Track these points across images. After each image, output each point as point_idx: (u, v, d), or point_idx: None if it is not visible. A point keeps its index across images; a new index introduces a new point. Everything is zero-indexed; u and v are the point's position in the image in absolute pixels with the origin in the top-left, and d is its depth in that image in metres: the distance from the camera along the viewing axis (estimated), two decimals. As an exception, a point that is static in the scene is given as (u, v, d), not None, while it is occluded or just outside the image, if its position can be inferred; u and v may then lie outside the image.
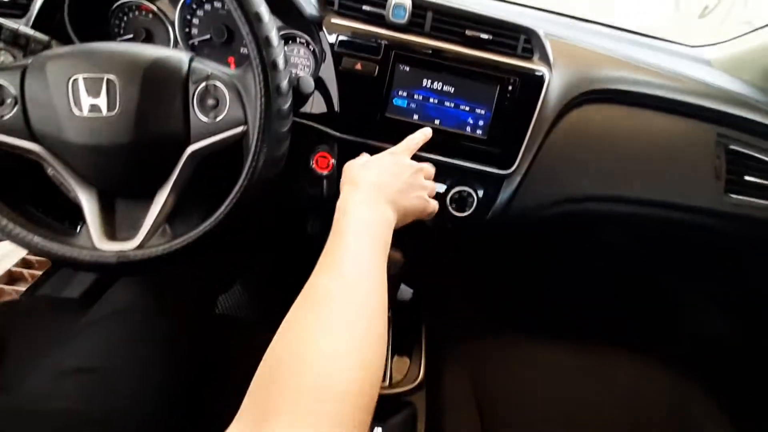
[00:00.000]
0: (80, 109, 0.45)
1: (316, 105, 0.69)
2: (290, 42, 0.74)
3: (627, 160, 0.75)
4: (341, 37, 0.66)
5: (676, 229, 0.83)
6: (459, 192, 0.71)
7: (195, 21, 0.73)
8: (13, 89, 0.44)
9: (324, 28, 0.66)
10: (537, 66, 0.68)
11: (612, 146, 0.74)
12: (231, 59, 0.76)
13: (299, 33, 0.72)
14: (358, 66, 0.66)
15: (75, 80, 0.44)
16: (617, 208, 0.77)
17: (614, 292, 1.15)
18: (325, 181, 0.73)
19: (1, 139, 0.45)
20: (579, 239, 0.98)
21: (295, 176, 0.73)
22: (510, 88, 0.67)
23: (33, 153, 0.46)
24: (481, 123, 0.68)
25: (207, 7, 0.73)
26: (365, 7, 0.66)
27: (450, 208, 0.72)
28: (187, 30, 0.73)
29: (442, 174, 0.71)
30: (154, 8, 0.71)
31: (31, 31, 0.52)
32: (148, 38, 0.73)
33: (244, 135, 0.48)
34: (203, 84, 0.47)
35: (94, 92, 0.44)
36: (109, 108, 0.45)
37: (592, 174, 0.74)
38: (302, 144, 0.71)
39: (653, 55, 0.85)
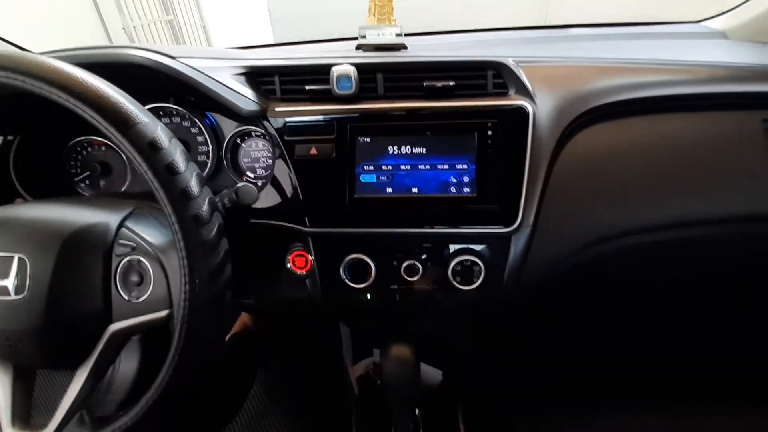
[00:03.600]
0: None
1: (278, 202, 0.62)
2: (246, 138, 0.69)
3: (655, 177, 0.62)
4: (288, 124, 0.60)
5: (735, 248, 0.66)
6: (461, 263, 0.60)
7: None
8: None
9: (269, 118, 0.60)
10: (515, 101, 0.58)
11: (634, 165, 0.61)
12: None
13: (252, 128, 0.67)
14: (313, 150, 0.59)
15: None
16: (660, 237, 0.63)
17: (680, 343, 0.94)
18: (307, 281, 0.64)
19: None
20: (619, 287, 0.81)
21: (274, 281, 0.64)
22: (490, 132, 0.57)
23: None
24: (466, 179, 0.58)
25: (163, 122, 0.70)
26: (308, 87, 0.60)
27: (455, 282, 0.60)
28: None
29: (435, 246, 0.60)
30: (105, 140, 0.69)
31: None
32: (106, 171, 0.70)
33: (168, 320, 0.41)
34: (127, 259, 0.41)
35: (3, 274, 0.39)
36: (17, 291, 0.39)
37: (619, 202, 0.61)
38: (274, 246, 0.63)
39: (657, 45, 0.73)
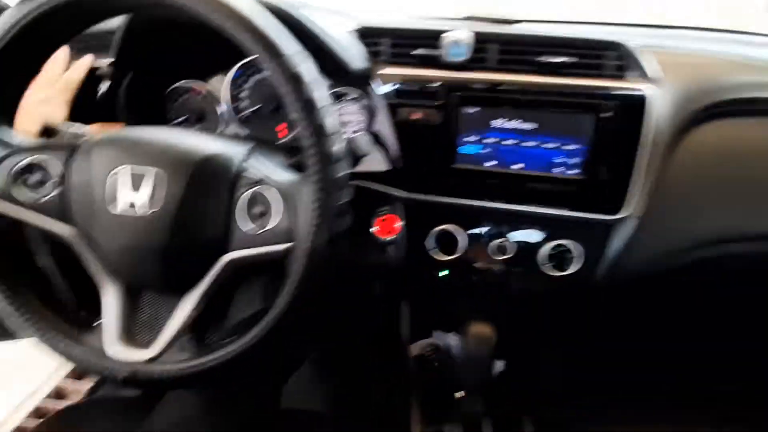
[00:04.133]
0: (118, 204, 0.40)
1: (373, 163, 0.61)
2: (341, 99, 0.69)
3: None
4: (394, 87, 0.59)
5: None
6: (556, 247, 0.58)
7: (243, 94, 0.71)
8: (57, 170, 0.41)
9: (375, 80, 0.60)
10: (634, 84, 0.55)
11: (756, 169, 0.57)
12: (281, 126, 0.72)
13: (347, 89, 0.67)
14: (417, 115, 0.58)
15: (116, 173, 0.40)
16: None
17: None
18: (389, 248, 0.63)
19: (37, 222, 0.42)
20: (720, 292, 0.76)
21: (354, 244, 0.64)
22: (606, 115, 0.55)
23: (64, 237, 0.43)
24: (574, 161, 0.56)
25: (256, 76, 0.71)
26: (417, 51, 0.59)
27: (546, 267, 0.58)
28: (236, 104, 0.71)
29: (530, 226, 0.58)
30: (205, 88, 0.70)
31: (83, 127, 0.51)
32: (200, 118, 0.71)
33: (288, 253, 0.40)
34: (252, 190, 0.41)
35: (135, 188, 0.40)
36: (148, 207, 0.39)
37: (737, 205, 0.57)
38: (362, 208, 0.63)
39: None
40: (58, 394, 1.29)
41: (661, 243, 0.58)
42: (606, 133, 0.55)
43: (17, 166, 0.41)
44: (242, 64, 0.69)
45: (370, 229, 0.62)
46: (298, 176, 0.42)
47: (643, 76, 0.56)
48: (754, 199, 0.56)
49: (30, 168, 0.42)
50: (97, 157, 0.41)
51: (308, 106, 0.38)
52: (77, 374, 1.34)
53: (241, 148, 0.44)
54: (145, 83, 0.66)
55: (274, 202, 0.41)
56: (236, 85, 0.70)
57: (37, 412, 1.23)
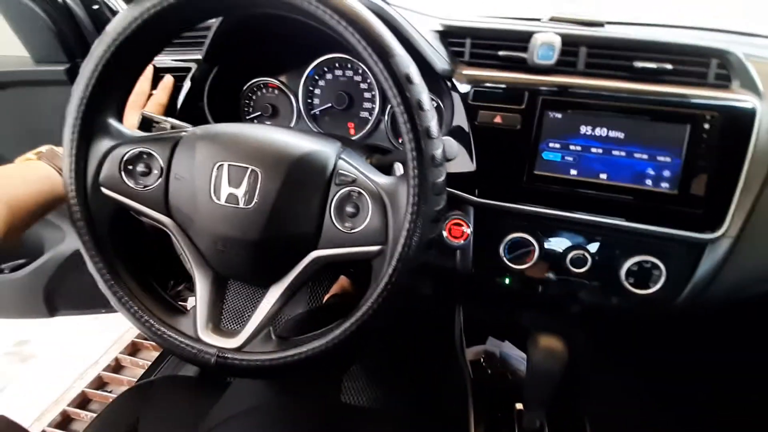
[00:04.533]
0: (218, 197, 0.42)
1: (449, 165, 0.60)
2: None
3: None
4: (476, 88, 0.58)
5: None
6: (639, 263, 0.55)
7: (317, 91, 0.72)
8: (161, 161, 0.44)
9: (455, 81, 0.59)
10: (740, 95, 0.51)
11: None
12: (351, 124, 0.73)
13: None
14: (498, 119, 0.57)
15: (220, 166, 0.42)
16: None
17: None
18: (458, 253, 0.62)
19: (141, 209, 0.45)
20: None
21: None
22: (706, 126, 0.51)
23: (165, 225, 0.45)
24: (667, 174, 0.53)
25: (328, 76, 0.72)
26: (502, 53, 0.57)
27: (627, 283, 0.56)
28: (309, 101, 0.72)
29: (612, 240, 0.56)
30: (280, 84, 0.72)
31: (175, 121, 0.53)
32: (274, 113, 0.73)
33: (378, 255, 0.40)
34: (346, 189, 0.42)
35: (235, 182, 0.41)
36: (247, 201, 0.41)
37: None
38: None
39: None
40: (115, 366, 1.37)
41: (756, 266, 0.54)
42: (706, 146, 0.51)
43: (126, 156, 0.44)
44: (316, 64, 0.70)
45: (441, 232, 0.62)
46: (395, 178, 0.42)
47: (752, 87, 0.52)
48: None
49: (137, 158, 0.44)
50: (200, 152, 0.43)
51: (415, 108, 0.37)
52: (131, 350, 1.43)
53: (334, 147, 0.45)
54: (226, 79, 0.69)
55: (367, 202, 0.41)
56: (309, 83, 0.71)
57: (98, 381, 1.32)
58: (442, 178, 0.39)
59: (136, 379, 1.29)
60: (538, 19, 0.65)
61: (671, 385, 0.82)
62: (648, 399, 0.77)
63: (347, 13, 0.37)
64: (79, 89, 0.42)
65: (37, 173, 0.50)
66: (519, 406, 0.66)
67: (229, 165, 0.41)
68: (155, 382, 0.66)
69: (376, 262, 0.41)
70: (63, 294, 0.98)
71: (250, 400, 0.56)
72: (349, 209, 0.42)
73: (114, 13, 0.77)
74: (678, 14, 0.77)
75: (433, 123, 0.38)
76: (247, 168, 0.41)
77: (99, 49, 0.41)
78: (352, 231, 0.41)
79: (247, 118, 0.74)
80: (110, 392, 1.29)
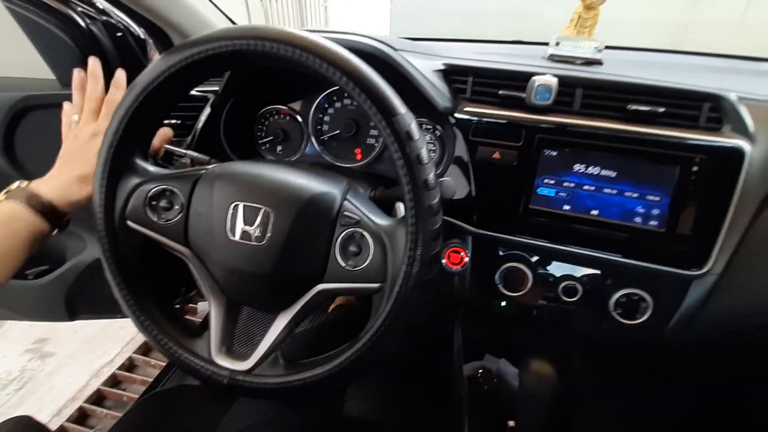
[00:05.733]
0: (233, 234, 0.45)
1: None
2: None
3: None
4: (475, 125, 0.61)
5: None
6: (627, 295, 0.58)
7: (326, 118, 0.76)
8: (182, 197, 0.48)
9: (457, 115, 0.62)
10: (730, 139, 0.53)
11: None
12: (358, 150, 0.76)
13: (424, 120, 0.70)
14: (496, 155, 0.60)
15: (236, 206, 0.45)
16: None
17: None
18: (456, 278, 0.66)
19: (163, 240, 0.49)
20: None
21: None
22: (695, 168, 0.54)
23: (184, 255, 0.49)
24: (656, 212, 0.55)
25: (337, 104, 0.75)
26: (502, 92, 0.60)
27: (615, 313, 0.58)
28: (319, 127, 0.76)
29: (602, 272, 0.59)
30: (291, 111, 0.76)
31: (195, 154, 0.57)
32: (285, 138, 0.77)
33: (377, 291, 0.44)
34: (350, 230, 0.45)
35: (249, 221, 0.45)
36: (259, 238, 0.44)
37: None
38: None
39: None
40: (129, 365, 1.43)
41: (739, 302, 0.56)
42: (694, 188, 0.54)
43: (151, 192, 0.48)
44: (326, 93, 0.74)
45: (441, 259, 0.65)
46: (394, 221, 0.45)
47: (741, 130, 0.54)
48: None
49: (161, 194, 0.48)
50: (218, 191, 0.47)
51: (415, 162, 0.41)
52: (144, 350, 1.48)
53: (341, 187, 0.48)
54: (242, 106, 0.73)
55: (369, 243, 0.45)
56: (319, 111, 0.75)
57: (113, 379, 1.38)
58: (437, 225, 0.43)
59: (148, 379, 1.35)
60: (539, 58, 0.67)
61: (666, 408, 0.84)
62: (643, 421, 0.80)
63: (354, 74, 0.40)
64: (109, 134, 0.46)
65: (11, 214, 0.50)
66: (512, 423, 0.69)
67: (244, 205, 0.45)
68: (167, 393, 0.71)
69: (376, 298, 0.45)
70: (82, 299, 1.04)
71: (257, 414, 0.61)
72: (353, 248, 0.45)
73: (136, 39, 0.81)
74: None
75: (431, 175, 0.42)
76: (261, 208, 0.45)
77: (128, 99, 0.45)
78: (355, 269, 0.45)
79: (260, 142, 0.78)
80: (124, 390, 1.35)
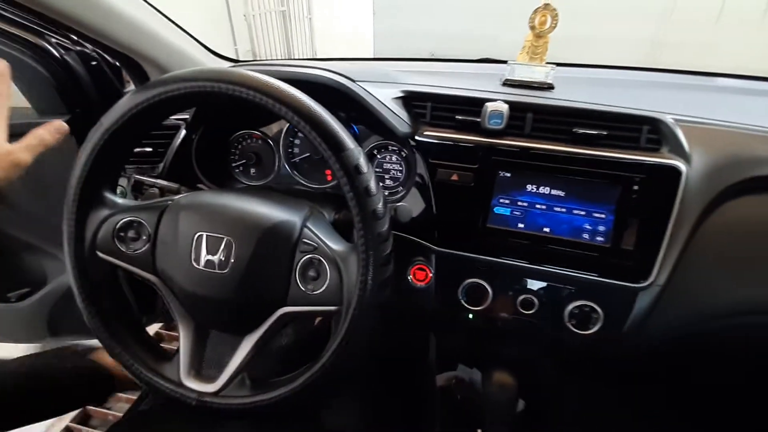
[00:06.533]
0: (198, 263, 0.48)
1: (411, 217, 0.67)
2: (382, 150, 0.75)
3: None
4: (435, 148, 0.64)
5: None
6: (579, 307, 0.61)
7: (297, 141, 0.79)
8: (149, 228, 0.50)
9: (417, 139, 0.65)
10: (668, 159, 0.57)
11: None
12: (328, 172, 0.79)
13: (389, 142, 0.73)
14: (455, 177, 0.63)
15: (199, 236, 0.48)
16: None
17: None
18: (421, 294, 0.68)
19: (131, 269, 0.51)
20: (740, 363, 0.76)
21: (393, 289, 0.70)
22: (636, 187, 0.57)
23: (152, 283, 0.52)
24: (601, 228, 0.59)
25: None
26: (459, 117, 0.64)
27: (569, 324, 0.62)
28: (289, 150, 0.79)
29: (556, 286, 0.62)
30: (263, 135, 0.79)
31: (164, 183, 0.60)
32: (258, 161, 0.80)
33: (335, 313, 0.47)
34: (308, 256, 0.48)
35: (213, 250, 0.47)
36: (222, 267, 0.47)
37: (762, 279, 0.58)
38: (398, 255, 0.68)
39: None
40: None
41: (684, 311, 0.60)
42: (635, 205, 0.57)
43: (119, 224, 0.50)
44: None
45: (407, 276, 0.68)
46: (348, 246, 0.48)
47: (678, 150, 0.58)
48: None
49: (128, 226, 0.51)
50: (183, 222, 0.49)
51: (363, 194, 0.44)
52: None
53: (300, 214, 0.51)
54: (213, 133, 0.75)
55: (326, 268, 0.47)
56: (290, 135, 0.78)
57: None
58: (387, 251, 0.46)
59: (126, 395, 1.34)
60: (495, 85, 0.71)
61: (632, 414, 0.88)
62: (609, 427, 0.83)
63: (305, 114, 0.43)
64: (78, 169, 0.48)
65: None
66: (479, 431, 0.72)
67: (207, 235, 0.48)
68: (150, 413, 0.73)
69: (334, 320, 0.48)
70: (64, 321, 1.05)
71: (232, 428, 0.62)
72: (311, 273, 0.48)
73: (111, 67, 0.84)
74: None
75: (379, 205, 0.45)
76: (223, 238, 0.48)
77: (95, 137, 0.47)
78: (314, 292, 0.48)
79: (233, 165, 0.81)
80: (109, 409, 1.36)
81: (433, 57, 0.95)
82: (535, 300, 0.63)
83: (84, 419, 1.33)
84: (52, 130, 0.53)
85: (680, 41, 4.19)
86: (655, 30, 4.37)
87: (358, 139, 0.76)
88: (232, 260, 0.47)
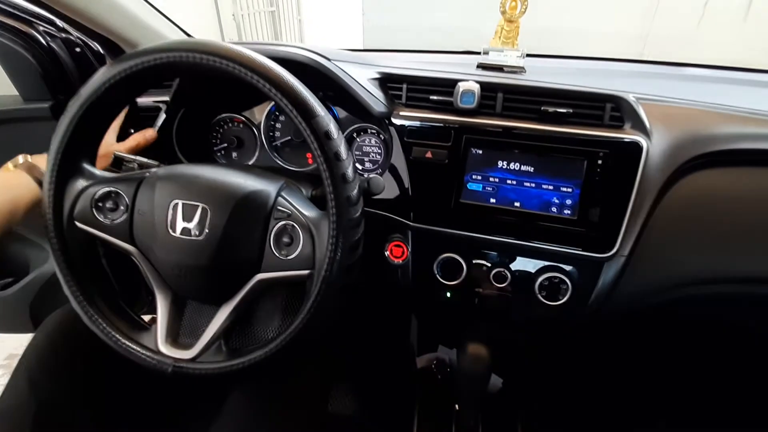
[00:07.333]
0: (174, 230, 0.49)
1: (388, 194, 0.69)
2: (361, 133, 0.77)
3: (764, 230, 0.61)
4: (410, 127, 0.66)
5: None
6: (549, 278, 0.63)
7: (278, 125, 0.80)
8: (127, 198, 0.51)
9: (393, 120, 0.67)
10: (630, 135, 0.60)
11: (743, 216, 0.61)
12: (309, 155, 0.81)
13: (368, 125, 0.75)
14: (429, 154, 0.65)
15: (175, 204, 0.49)
16: (760, 290, 0.62)
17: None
18: (399, 270, 0.70)
19: (109, 239, 0.52)
20: (705, 329, 0.79)
21: (369, 266, 0.71)
22: (600, 162, 0.60)
23: (130, 253, 0.53)
24: (568, 202, 0.62)
25: None
26: (433, 97, 0.66)
27: (540, 296, 0.64)
28: (271, 133, 0.81)
29: (527, 258, 0.64)
30: (244, 119, 0.80)
31: (143, 159, 0.61)
32: (239, 145, 0.81)
33: (308, 278, 0.49)
34: (282, 222, 0.50)
35: (188, 217, 0.49)
36: (198, 233, 0.48)
37: (721, 250, 0.61)
38: (376, 234, 0.70)
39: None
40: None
41: (648, 280, 0.63)
42: (600, 179, 0.60)
43: (97, 194, 0.51)
44: (277, 101, 0.79)
45: (384, 253, 0.70)
46: (320, 213, 0.50)
47: (639, 127, 0.61)
48: (737, 244, 0.60)
49: (107, 196, 0.52)
50: (159, 191, 0.50)
51: (332, 159, 0.46)
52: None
53: (275, 185, 0.53)
54: (194, 116, 0.77)
55: (300, 234, 0.49)
56: (271, 118, 0.80)
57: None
58: (357, 214, 0.48)
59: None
60: (470, 66, 0.74)
61: (602, 385, 0.90)
62: (579, 397, 0.85)
63: (275, 80, 0.45)
64: (56, 140, 0.49)
65: (18, 181, 0.59)
66: (458, 406, 0.74)
67: (182, 203, 0.49)
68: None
69: (307, 284, 0.49)
70: (47, 310, 1.05)
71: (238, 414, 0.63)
72: (285, 239, 0.49)
73: (95, 54, 0.85)
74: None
75: (348, 170, 0.47)
76: (198, 205, 0.49)
77: (73, 108, 0.48)
78: (288, 258, 0.49)
79: (215, 149, 0.82)
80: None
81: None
82: (507, 273, 0.65)
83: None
84: (147, 135, 0.71)
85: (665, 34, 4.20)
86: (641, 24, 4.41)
87: (339, 123, 0.78)
88: (207, 228, 0.49)
